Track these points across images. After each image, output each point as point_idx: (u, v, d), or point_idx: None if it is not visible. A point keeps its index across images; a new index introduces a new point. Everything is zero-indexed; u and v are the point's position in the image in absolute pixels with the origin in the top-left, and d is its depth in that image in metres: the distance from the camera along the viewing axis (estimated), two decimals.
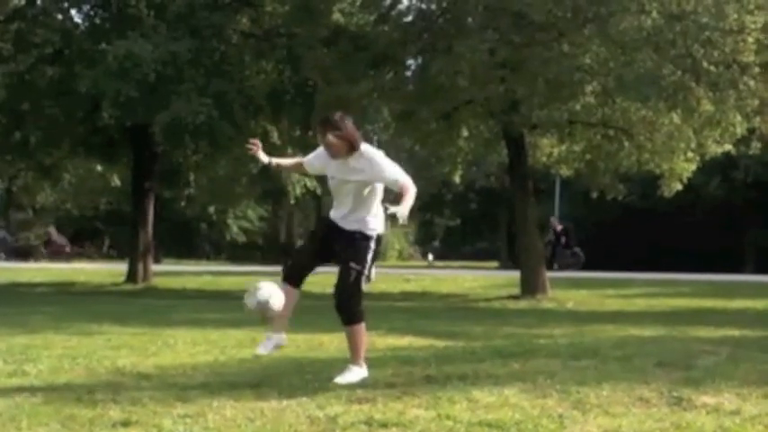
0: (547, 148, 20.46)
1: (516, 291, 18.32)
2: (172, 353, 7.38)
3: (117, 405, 4.77)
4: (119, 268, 25.41)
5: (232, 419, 4.37)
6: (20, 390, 5.33)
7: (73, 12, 21.86)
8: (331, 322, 10.96)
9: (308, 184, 24.28)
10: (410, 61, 19.52)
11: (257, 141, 5.85)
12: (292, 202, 25.27)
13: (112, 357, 6.93)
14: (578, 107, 17.77)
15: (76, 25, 21.76)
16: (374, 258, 5.76)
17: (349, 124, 5.58)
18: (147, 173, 22.52)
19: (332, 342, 8.46)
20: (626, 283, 21.34)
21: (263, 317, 5.56)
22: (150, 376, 5.83)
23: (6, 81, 20.73)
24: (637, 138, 18.25)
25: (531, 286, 17.92)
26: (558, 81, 16.16)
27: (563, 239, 28.65)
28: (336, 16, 18.87)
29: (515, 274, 19.72)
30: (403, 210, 5.41)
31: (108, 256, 43.90)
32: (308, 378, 5.62)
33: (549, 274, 19.43)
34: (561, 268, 27.03)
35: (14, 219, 43.65)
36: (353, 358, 5.67)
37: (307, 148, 21.96)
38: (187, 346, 7.88)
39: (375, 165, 5.60)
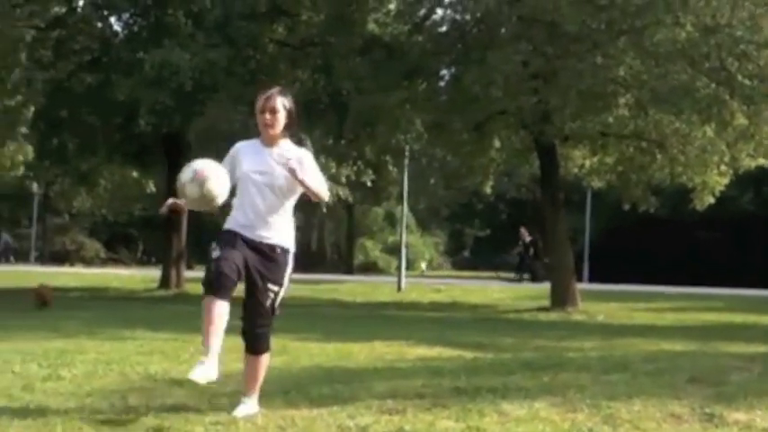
0: (579, 160, 20.41)
1: (546, 302, 18.26)
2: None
3: (150, 411, 4.83)
4: (152, 274, 25.64)
5: (263, 427, 4.42)
6: (55, 394, 5.42)
7: (112, 20, 22.12)
8: (361, 332, 11.03)
9: (341, 193, 24.32)
10: (443, 71, 19.59)
11: (174, 202, 4.98)
12: (324, 210, 25.32)
13: (145, 363, 7.00)
14: (611, 119, 17.73)
15: (115, 33, 22.02)
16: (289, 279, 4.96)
17: (294, 106, 4.94)
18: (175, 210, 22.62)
19: (361, 351, 8.49)
20: (656, 297, 21.22)
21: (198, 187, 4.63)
22: (182, 383, 5.87)
23: (46, 88, 21.05)
24: (670, 150, 18.15)
25: (561, 298, 17.87)
26: (592, 93, 16.13)
27: (531, 250, 28.53)
28: (371, 26, 18.98)
29: (545, 286, 19.67)
30: (300, 171, 4.67)
31: (141, 262, 44.27)
32: (338, 387, 5.65)
33: (580, 286, 19.36)
34: (539, 280, 26.91)
35: (51, 224, 44.15)
36: (253, 389, 4.92)
37: (339, 156, 22.15)
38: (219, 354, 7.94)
39: (303, 162, 4.80)
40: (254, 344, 4.85)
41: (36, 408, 4.92)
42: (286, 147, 4.88)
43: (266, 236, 4.79)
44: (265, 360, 4.93)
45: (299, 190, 4.85)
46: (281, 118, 4.84)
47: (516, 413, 4.76)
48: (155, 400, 5.20)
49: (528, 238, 28.88)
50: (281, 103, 4.84)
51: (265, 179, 4.79)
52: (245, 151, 4.90)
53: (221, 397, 5.22)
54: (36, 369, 6.50)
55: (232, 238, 4.75)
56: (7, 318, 12.13)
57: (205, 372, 4.47)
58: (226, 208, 4.93)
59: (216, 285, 4.53)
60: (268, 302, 4.79)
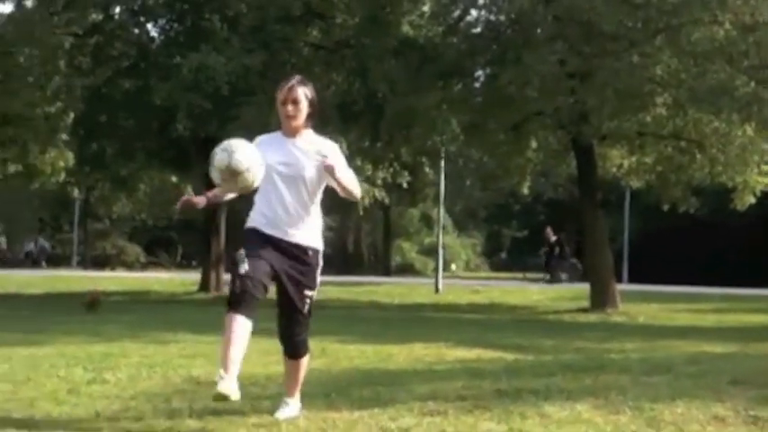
0: (617, 160, 20.27)
1: (585, 303, 18.16)
2: (245, 363, 7.39)
3: (193, 414, 4.88)
4: (192, 277, 25.85)
5: (305, 430, 4.44)
6: (100, 397, 5.48)
7: (149, 26, 22.35)
8: (399, 333, 11.04)
9: (377, 194, 24.36)
10: (478, 72, 19.55)
11: (186, 199, 4.74)
12: (361, 213, 25.39)
13: (187, 366, 7.06)
14: (649, 118, 17.60)
15: (152, 39, 22.24)
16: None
17: (315, 95, 4.79)
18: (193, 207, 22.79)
19: (401, 353, 8.50)
20: (696, 298, 21.01)
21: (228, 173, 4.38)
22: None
23: (85, 94, 21.32)
24: (709, 150, 17.98)
25: (601, 299, 17.76)
26: (629, 92, 16.03)
27: (557, 250, 28.29)
28: (405, 28, 18.99)
29: (584, 287, 19.56)
30: (337, 168, 4.57)
31: (181, 265, 44.63)
32: (378, 389, 5.66)
33: (619, 287, 19.22)
34: (556, 281, 26.69)
35: (92, 229, 44.67)
36: (294, 390, 4.90)
37: (375, 158, 22.17)
38: (260, 356, 7.98)
39: (332, 152, 4.69)
40: (294, 351, 4.80)
41: (82, 411, 4.99)
42: (309, 138, 4.73)
43: (296, 234, 4.61)
44: (305, 362, 4.89)
45: (325, 182, 4.69)
46: (304, 108, 4.68)
47: (558, 415, 4.74)
48: (198, 402, 5.25)
49: (553, 238, 28.72)
50: (303, 93, 4.67)
51: (291, 171, 4.61)
52: (267, 144, 4.70)
53: (263, 399, 5.26)
54: (81, 373, 6.58)
55: (259, 246, 4.53)
56: (51, 322, 12.30)
57: (227, 386, 4.26)
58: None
59: (240, 304, 4.35)
60: (306, 308, 4.69)
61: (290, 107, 4.65)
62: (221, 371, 4.30)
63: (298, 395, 4.91)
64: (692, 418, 4.71)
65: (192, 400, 5.35)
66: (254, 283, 4.37)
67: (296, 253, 4.60)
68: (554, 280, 27.05)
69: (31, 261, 41.31)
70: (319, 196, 4.73)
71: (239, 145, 4.43)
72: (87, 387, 5.88)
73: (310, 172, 4.62)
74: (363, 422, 4.61)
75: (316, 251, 4.68)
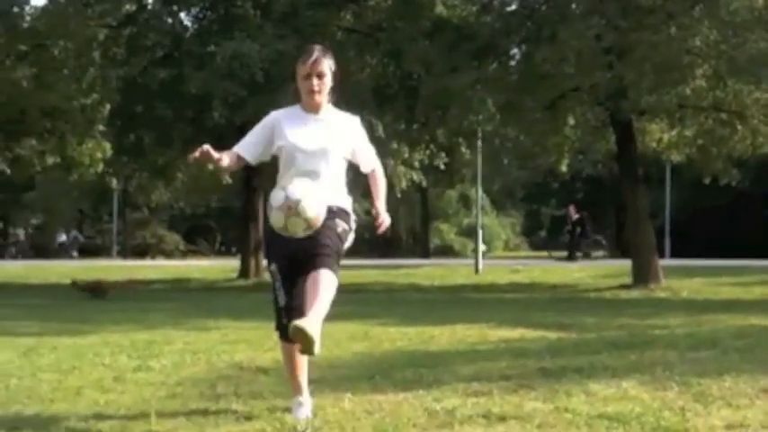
0: (656, 134, 20.05)
1: (627, 280, 18.01)
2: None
3: (239, 399, 4.89)
4: (231, 264, 26.00)
5: (351, 412, 4.43)
6: (146, 384, 5.52)
7: (182, 15, 22.41)
8: (441, 315, 11.02)
9: (414, 177, 24.30)
10: (514, 50, 19.38)
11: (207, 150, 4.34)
12: (398, 195, 25.33)
13: (230, 352, 7.09)
14: (688, 91, 17.34)
15: (185, 28, 22.30)
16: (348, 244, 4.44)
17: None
18: (256, 170, 22.92)
19: (443, 334, 8.48)
20: (741, 271, 20.74)
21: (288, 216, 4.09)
22: (268, 370, 5.95)
23: (120, 85, 21.46)
24: (750, 121, 17.72)
25: (643, 275, 17.59)
26: (667, 65, 15.82)
27: (578, 229, 28.00)
28: (439, 9, 18.87)
29: (625, 263, 19.40)
30: (385, 214, 4.44)
31: (220, 253, 44.94)
32: (422, 371, 5.64)
33: (662, 263, 19.03)
34: (581, 258, 26.46)
35: (131, 218, 45.11)
36: (312, 310, 4.05)
37: (411, 140, 22.11)
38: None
39: (355, 127, 4.52)
40: (318, 260, 4.13)
41: (129, 398, 5.03)
42: (332, 112, 4.50)
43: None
44: (328, 279, 4.11)
45: (349, 156, 4.47)
46: (328, 82, 4.42)
47: (604, 393, 4.70)
48: (242, 387, 5.27)
49: (575, 216, 28.50)
50: (328, 66, 4.40)
51: (316, 148, 4.35)
52: (286, 120, 4.45)
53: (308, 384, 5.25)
54: (126, 360, 6.64)
55: (287, 257, 4.28)
56: (93, 311, 12.43)
57: (307, 409, 4.39)
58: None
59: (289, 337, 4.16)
60: (339, 229, 4.27)
61: (314, 81, 4.38)
62: (297, 396, 4.46)
63: (318, 317, 4.05)
64: (740, 392, 4.65)
65: (236, 385, 5.37)
66: (297, 314, 4.16)
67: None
68: (571, 258, 26.89)
69: (65, 252, 41.86)
70: (344, 169, 4.50)
71: (294, 185, 4.15)
72: (133, 374, 5.93)
73: (336, 147, 4.40)
74: (408, 403, 4.60)
75: (341, 209, 4.35)
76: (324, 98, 4.43)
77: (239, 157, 4.50)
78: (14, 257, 37.58)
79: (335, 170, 4.42)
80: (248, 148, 4.50)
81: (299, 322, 3.93)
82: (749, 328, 8.13)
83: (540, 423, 4.06)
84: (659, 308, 12.98)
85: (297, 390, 4.46)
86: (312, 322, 3.96)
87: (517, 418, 4.16)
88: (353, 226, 4.45)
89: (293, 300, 4.29)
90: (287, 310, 4.30)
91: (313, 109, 4.45)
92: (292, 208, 4.06)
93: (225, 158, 4.41)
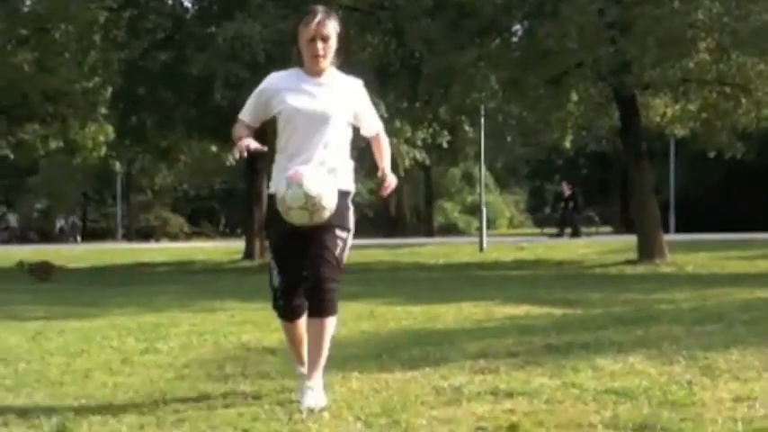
0: (660, 109, 19.99)
1: (632, 255, 18.01)
2: None
3: (246, 379, 4.91)
4: (236, 246, 26.04)
5: (359, 391, 4.45)
6: (154, 366, 5.55)
7: None
8: (446, 293, 11.03)
9: (417, 155, 24.27)
10: (516, 27, 19.29)
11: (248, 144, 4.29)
12: (401, 174, 25.32)
13: (237, 333, 7.11)
14: (692, 65, 17.27)
15: (186, 9, 22.26)
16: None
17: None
18: (259, 152, 22.92)
19: (449, 312, 8.50)
20: (747, 245, 20.72)
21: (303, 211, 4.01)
22: (275, 351, 5.97)
23: (122, 67, 21.42)
24: (755, 94, 17.65)
25: (648, 250, 17.58)
26: (670, 39, 15.75)
27: (570, 204, 27.97)
28: None
29: (630, 239, 19.40)
30: (391, 175, 4.33)
31: (224, 234, 45.01)
32: (428, 349, 5.65)
33: (667, 238, 19.02)
34: (574, 235, 26.46)
35: (135, 201, 45.17)
36: (315, 368, 4.18)
37: (414, 119, 22.05)
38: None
39: (358, 91, 4.36)
40: (321, 301, 4.10)
41: (137, 380, 5.05)
42: (334, 75, 4.30)
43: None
44: (331, 326, 4.19)
45: (353, 120, 4.32)
46: (333, 45, 4.21)
47: (611, 368, 4.70)
48: (250, 368, 5.29)
49: (568, 192, 28.49)
50: (334, 29, 4.18)
51: (318, 113, 4.17)
52: (286, 84, 4.27)
53: None
54: (133, 343, 6.66)
55: (285, 240, 4.19)
56: (100, 295, 12.46)
57: (319, 395, 4.15)
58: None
59: (288, 316, 4.32)
60: (337, 250, 4.15)
61: (319, 45, 4.17)
62: (301, 368, 4.37)
63: (320, 375, 4.19)
64: (747, 365, 4.65)
65: (244, 366, 5.39)
66: (294, 292, 4.23)
67: None
68: (576, 233, 26.89)
69: (65, 237, 42.03)
70: (349, 135, 4.34)
71: (305, 174, 4.03)
72: (140, 357, 5.96)
73: (340, 112, 4.23)
74: (416, 382, 4.61)
75: (344, 192, 4.21)
76: (328, 62, 4.25)
77: (247, 125, 4.40)
78: (8, 242, 37.68)
79: (338, 136, 4.24)
80: (249, 114, 4.40)
81: (309, 403, 4.03)
82: (755, 302, 8.13)
83: (548, 399, 4.07)
84: (665, 283, 12.98)
85: (299, 361, 4.42)
86: (317, 397, 4.09)
87: (525, 394, 4.18)
88: (352, 208, 4.35)
89: (289, 281, 4.23)
90: (282, 291, 4.27)
91: (316, 73, 4.26)
92: (317, 205, 3.98)
93: (250, 139, 4.32)
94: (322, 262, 4.09)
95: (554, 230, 28.13)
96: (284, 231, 4.17)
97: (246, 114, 4.41)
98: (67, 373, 5.38)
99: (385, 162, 4.42)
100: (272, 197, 4.23)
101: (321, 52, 4.18)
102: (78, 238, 41.61)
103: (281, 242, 4.26)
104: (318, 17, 4.16)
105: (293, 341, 4.44)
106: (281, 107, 4.24)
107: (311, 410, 3.98)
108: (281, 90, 4.25)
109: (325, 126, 4.19)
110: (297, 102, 4.20)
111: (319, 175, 4.06)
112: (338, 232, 4.17)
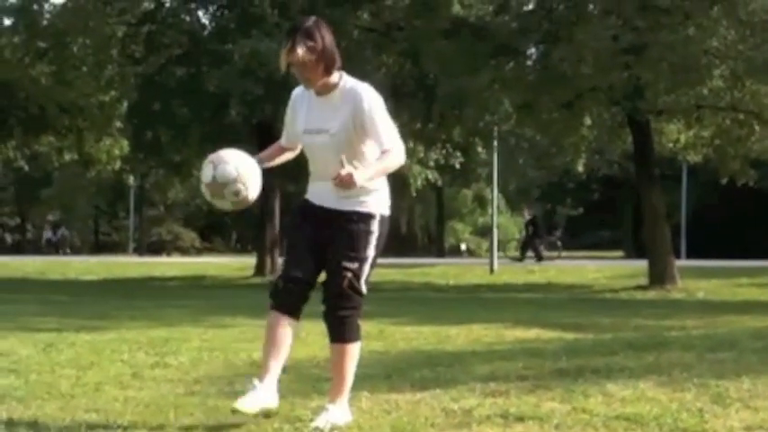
0: (673, 134, 20.01)
1: (643, 281, 17.97)
2: (304, 345, 7.52)
3: None
4: (247, 262, 26.06)
5: (368, 411, 4.44)
6: (164, 381, 5.55)
7: (200, 13, 22.52)
8: (456, 314, 11.03)
9: (430, 176, 24.30)
10: (531, 50, 19.36)
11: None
12: (414, 194, 25.34)
13: (248, 350, 7.10)
14: (706, 91, 17.31)
15: (203, 26, 22.42)
16: (379, 249, 4.08)
17: (327, 36, 3.96)
18: (272, 168, 22.97)
19: (459, 334, 8.49)
20: (759, 272, 20.63)
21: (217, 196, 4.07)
22: (286, 368, 5.91)
23: (138, 82, 21.57)
24: None
25: (659, 276, 17.55)
26: (685, 65, 15.79)
27: (530, 229, 27.89)
28: (456, 8, 18.88)
29: (641, 264, 19.36)
30: (357, 174, 3.82)
31: (236, 250, 45.06)
32: (439, 370, 5.65)
33: (678, 263, 18.98)
34: (538, 259, 26.37)
35: (147, 215, 45.30)
36: (338, 392, 4.15)
37: (427, 140, 22.09)
38: (318, 338, 7.99)
39: (359, 102, 3.98)
40: (336, 328, 4.08)
41: (147, 395, 5.05)
42: (342, 87, 4.02)
43: (340, 201, 4.01)
44: (352, 352, 4.13)
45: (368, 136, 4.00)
46: (311, 64, 3.93)
47: (622, 393, 4.69)
48: None
49: (528, 217, 28.47)
50: (303, 49, 3.89)
51: (325, 137, 4.00)
52: (300, 104, 4.17)
53: (325, 382, 5.27)
54: (143, 357, 6.66)
55: (300, 231, 4.13)
56: (111, 307, 12.49)
57: (257, 398, 3.96)
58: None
59: (281, 304, 4.07)
60: (345, 282, 4.00)
61: (297, 71, 4.01)
62: (255, 380, 4.08)
63: (343, 398, 4.13)
64: (758, 394, 4.64)
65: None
66: (295, 280, 4.06)
67: (341, 221, 4.02)
68: (522, 258, 26.85)
69: (54, 249, 42.11)
70: (371, 150, 4.02)
71: (227, 155, 4.07)
72: (151, 371, 5.96)
73: (342, 132, 3.97)
74: (426, 403, 4.60)
75: (362, 215, 4.02)
76: (319, 80, 4.00)
77: (282, 149, 4.36)
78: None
79: (355, 154, 3.94)
80: (283, 133, 4.34)
81: (319, 423, 3.99)
82: (767, 330, 8.09)
83: (558, 423, 4.07)
84: (676, 309, 12.94)
85: (264, 371, 4.07)
86: (330, 419, 4.01)
87: (535, 418, 4.17)
88: (376, 230, 4.08)
89: (296, 269, 4.07)
90: (283, 277, 4.09)
91: (321, 92, 4.07)
92: (236, 192, 4.02)
93: (261, 158, 4.29)
94: (333, 294, 4.04)
95: (517, 254, 28.22)
96: (302, 229, 4.13)
97: (283, 135, 4.36)
98: (78, 385, 5.38)
99: (367, 163, 3.95)
100: (301, 201, 4.25)
101: (302, 76, 4.03)
102: (68, 250, 41.70)
103: (296, 238, 4.16)
104: (285, 45, 3.98)
105: (268, 341, 4.08)
106: (295, 130, 4.20)
107: (319, 430, 3.95)
108: (296, 110, 4.19)
109: (334, 149, 3.96)
110: (304, 127, 4.11)
111: (242, 161, 4.03)
112: (345, 263, 4.00)
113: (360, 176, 3.82)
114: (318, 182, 4.10)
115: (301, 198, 4.25)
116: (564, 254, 29.55)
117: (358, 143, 4.00)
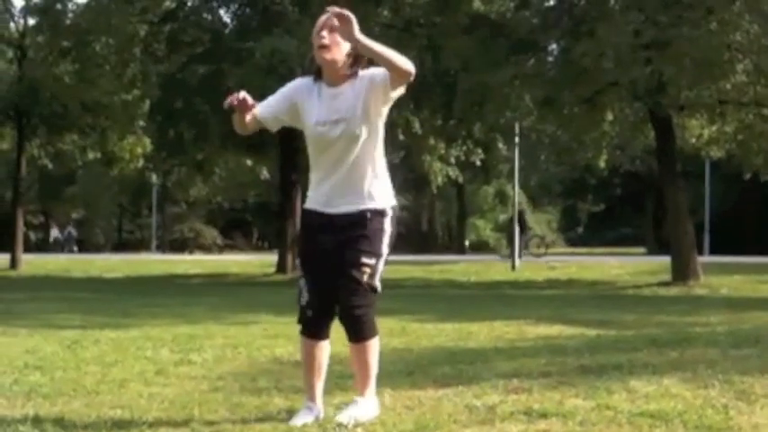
0: (696, 130, 19.89)
1: (666, 277, 17.88)
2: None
3: (280, 393, 4.93)
4: (269, 259, 26.15)
5: (391, 408, 4.45)
6: (188, 378, 5.58)
7: (221, 11, 22.61)
8: (478, 311, 11.02)
9: (451, 173, 24.28)
10: (552, 46, 19.30)
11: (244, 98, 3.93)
12: (434, 191, 25.34)
13: (271, 346, 7.14)
14: (729, 86, 17.20)
15: (225, 24, 22.50)
16: (391, 247, 4.04)
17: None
18: (293, 166, 23.07)
19: (481, 331, 8.48)
20: None
21: None
22: None
23: (160, 81, 21.68)
24: None
25: (682, 272, 17.46)
26: (707, 60, 15.68)
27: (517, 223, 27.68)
28: (476, 4, 18.86)
29: (664, 260, 19.26)
30: (361, 35, 3.72)
31: (257, 247, 45.20)
32: (461, 367, 5.65)
33: (701, 259, 18.88)
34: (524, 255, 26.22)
35: (169, 213, 45.54)
36: (365, 384, 4.19)
37: (448, 137, 22.07)
38: (340, 335, 8.04)
39: (374, 71, 3.91)
40: (353, 327, 4.05)
41: (172, 391, 5.09)
42: (355, 78, 3.93)
43: (351, 202, 3.96)
44: (372, 348, 4.14)
45: (381, 128, 3.97)
46: (340, 55, 3.87)
47: (645, 390, 4.68)
48: (283, 382, 5.30)
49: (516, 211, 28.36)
50: (337, 33, 3.82)
51: (338, 130, 3.90)
52: (307, 95, 4.02)
53: (348, 378, 5.29)
54: (168, 354, 6.71)
55: (312, 250, 4.07)
56: (135, 305, 12.57)
57: (311, 415, 4.13)
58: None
59: (312, 333, 4.18)
60: (364, 278, 3.96)
61: (323, 33, 3.86)
62: (307, 401, 4.24)
63: (371, 392, 4.20)
64: None
65: (277, 379, 5.41)
66: (319, 307, 4.11)
67: (352, 220, 3.96)
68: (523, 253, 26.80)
69: (60, 247, 42.40)
70: (380, 148, 4.00)
71: None
72: (175, 368, 5.99)
73: (358, 126, 3.88)
74: (448, 400, 4.61)
75: (376, 212, 3.97)
76: (337, 59, 3.89)
77: (254, 119, 4.08)
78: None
79: (364, 151, 3.92)
80: (265, 107, 4.10)
81: (342, 419, 4.00)
82: None
83: (582, 420, 4.06)
84: (699, 305, 12.87)
85: (309, 395, 4.22)
86: (359, 411, 4.07)
87: (558, 415, 4.16)
88: (389, 228, 4.04)
89: (316, 295, 4.09)
90: (308, 303, 4.12)
91: (332, 80, 3.96)
92: None
93: (250, 116, 4.01)
94: (349, 292, 3.98)
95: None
96: (315, 248, 4.08)
97: (262, 105, 4.09)
98: (103, 382, 5.43)
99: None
100: (304, 212, 4.16)
101: (326, 41, 3.88)
102: (75, 249, 41.97)
103: (311, 258, 4.13)
104: (324, 18, 3.91)
105: (308, 366, 4.22)
106: (300, 123, 4.05)
107: (343, 426, 3.98)
108: (304, 101, 4.03)
109: (348, 144, 3.91)
110: (315, 120, 3.96)
111: None
112: (364, 259, 3.95)
113: (363, 37, 3.69)
114: (324, 184, 4.02)
115: (304, 209, 4.16)
116: (566, 251, 29.44)
117: (374, 131, 3.94)
